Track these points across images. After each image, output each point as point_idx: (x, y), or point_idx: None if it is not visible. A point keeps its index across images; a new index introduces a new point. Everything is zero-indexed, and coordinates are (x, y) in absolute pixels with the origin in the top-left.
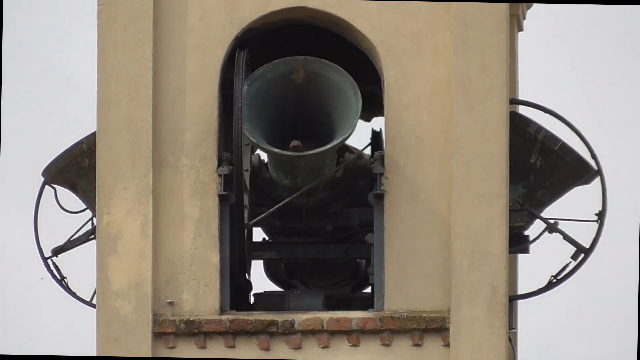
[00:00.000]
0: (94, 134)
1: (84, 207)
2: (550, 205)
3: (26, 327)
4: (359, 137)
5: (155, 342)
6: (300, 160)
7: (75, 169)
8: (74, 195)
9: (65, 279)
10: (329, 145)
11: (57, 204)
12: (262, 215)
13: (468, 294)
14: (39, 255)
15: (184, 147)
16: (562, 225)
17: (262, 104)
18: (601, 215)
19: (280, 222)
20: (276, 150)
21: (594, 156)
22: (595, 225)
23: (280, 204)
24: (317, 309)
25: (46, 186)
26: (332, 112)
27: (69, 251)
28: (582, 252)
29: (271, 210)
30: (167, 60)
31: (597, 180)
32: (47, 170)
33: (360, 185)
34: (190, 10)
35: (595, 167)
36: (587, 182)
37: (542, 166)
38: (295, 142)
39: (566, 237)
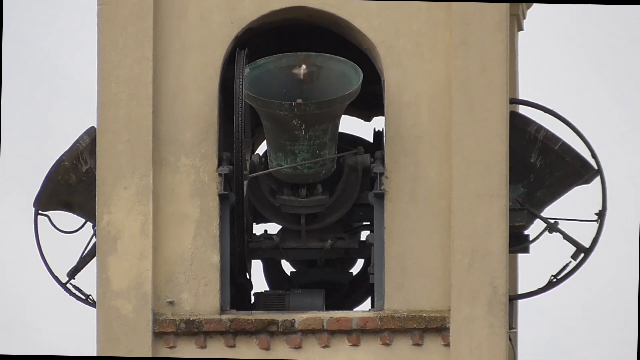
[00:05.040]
0: (72, 148)
1: (82, 221)
2: (551, 205)
3: (26, 327)
4: (360, 137)
5: (155, 341)
6: (302, 120)
7: (64, 188)
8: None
9: (90, 296)
10: (330, 98)
11: (55, 230)
12: (260, 173)
13: (468, 294)
14: (56, 283)
15: (184, 146)
16: (562, 225)
17: (262, 88)
18: (601, 215)
19: (279, 242)
20: (277, 101)
21: (594, 155)
22: (595, 225)
23: (280, 168)
24: (317, 308)
25: (39, 216)
26: (336, 94)
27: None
28: (582, 252)
29: (269, 170)
30: (167, 60)
31: (597, 179)
32: (38, 201)
33: (359, 190)
34: (190, 10)
35: (596, 167)
36: (587, 181)
37: (542, 166)
38: (299, 100)
39: (566, 237)
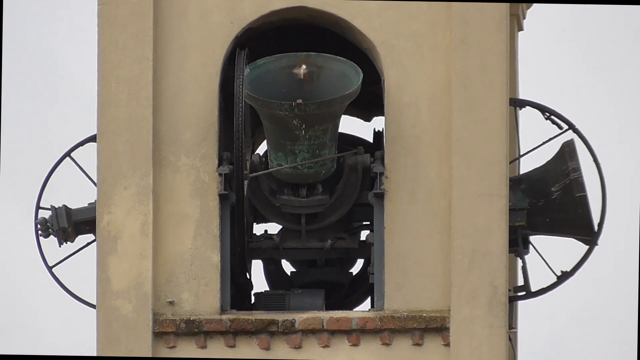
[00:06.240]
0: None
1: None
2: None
3: (26, 327)
4: (360, 137)
5: (156, 341)
6: (302, 120)
7: None
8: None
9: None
10: (330, 98)
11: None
12: (260, 173)
13: (468, 294)
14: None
15: (184, 146)
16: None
17: (262, 88)
18: (564, 276)
19: (279, 242)
20: (277, 101)
21: (603, 209)
22: (555, 279)
23: (280, 167)
24: (318, 308)
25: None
26: (336, 94)
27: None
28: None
29: (269, 170)
30: (167, 60)
31: (595, 241)
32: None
33: (359, 190)
34: (190, 10)
35: (596, 228)
36: (582, 241)
37: (556, 200)
38: (299, 100)
39: (525, 276)
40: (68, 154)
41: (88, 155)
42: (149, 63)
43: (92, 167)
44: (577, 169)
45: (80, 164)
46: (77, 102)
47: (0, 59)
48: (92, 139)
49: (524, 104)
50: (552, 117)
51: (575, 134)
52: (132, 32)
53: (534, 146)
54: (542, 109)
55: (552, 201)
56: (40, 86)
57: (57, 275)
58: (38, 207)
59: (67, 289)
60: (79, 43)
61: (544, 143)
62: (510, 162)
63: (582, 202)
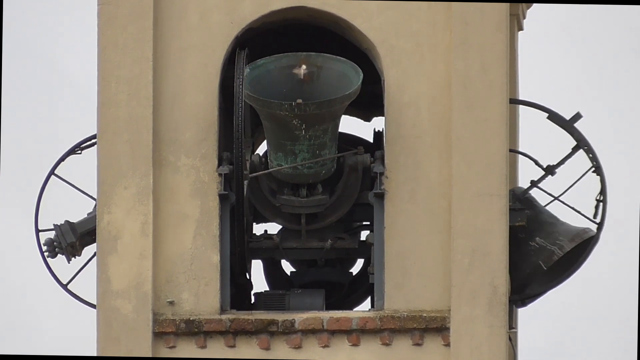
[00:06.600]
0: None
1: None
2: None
3: (26, 328)
4: (360, 137)
5: (156, 341)
6: (302, 120)
7: None
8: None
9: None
10: (330, 98)
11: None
12: (260, 173)
13: (468, 294)
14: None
15: (184, 146)
16: None
17: (262, 88)
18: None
19: (279, 242)
20: (277, 101)
21: (537, 295)
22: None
23: (280, 167)
24: (318, 308)
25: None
26: (336, 94)
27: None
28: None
29: (269, 170)
30: (167, 60)
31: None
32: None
33: (359, 190)
34: (190, 10)
35: (521, 294)
36: (510, 292)
37: (529, 247)
38: (299, 100)
39: None
40: (52, 172)
41: (82, 162)
42: (149, 63)
43: (79, 178)
44: (563, 250)
45: (66, 179)
46: (77, 102)
47: (0, 59)
48: (72, 151)
49: (595, 162)
50: (601, 203)
51: (597, 231)
52: (132, 32)
53: (575, 208)
54: (603, 189)
55: (526, 244)
56: (41, 86)
57: (73, 292)
58: (38, 231)
59: (86, 302)
60: (79, 43)
61: (578, 212)
62: (533, 185)
63: (535, 271)
